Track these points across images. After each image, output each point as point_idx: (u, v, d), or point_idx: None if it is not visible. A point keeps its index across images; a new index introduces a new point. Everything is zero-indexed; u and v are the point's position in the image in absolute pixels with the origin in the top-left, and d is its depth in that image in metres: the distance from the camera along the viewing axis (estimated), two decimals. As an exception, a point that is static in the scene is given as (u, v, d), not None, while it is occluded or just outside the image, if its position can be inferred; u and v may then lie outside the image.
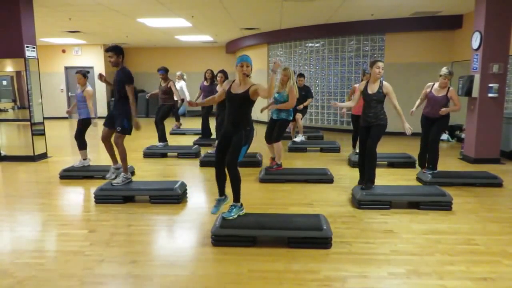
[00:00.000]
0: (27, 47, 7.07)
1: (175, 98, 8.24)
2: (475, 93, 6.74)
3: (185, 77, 10.67)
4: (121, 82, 4.82)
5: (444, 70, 5.51)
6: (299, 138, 8.45)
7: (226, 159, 3.73)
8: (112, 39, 13.43)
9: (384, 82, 4.73)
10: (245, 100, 3.75)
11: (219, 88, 7.21)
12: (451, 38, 9.56)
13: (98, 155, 7.59)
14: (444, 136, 9.46)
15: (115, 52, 4.77)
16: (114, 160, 5.31)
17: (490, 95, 6.67)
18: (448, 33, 9.56)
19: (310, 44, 11.34)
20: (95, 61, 14.77)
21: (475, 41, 6.80)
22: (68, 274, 3.01)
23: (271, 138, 5.98)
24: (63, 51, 14.88)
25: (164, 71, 7.90)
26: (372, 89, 4.74)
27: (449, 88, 5.56)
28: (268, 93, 3.62)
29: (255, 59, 14.37)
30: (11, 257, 3.33)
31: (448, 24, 9.33)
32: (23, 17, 6.96)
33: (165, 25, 10.35)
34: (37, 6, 7.55)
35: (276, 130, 5.93)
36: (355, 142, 7.11)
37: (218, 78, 7.14)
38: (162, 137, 7.74)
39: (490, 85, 6.65)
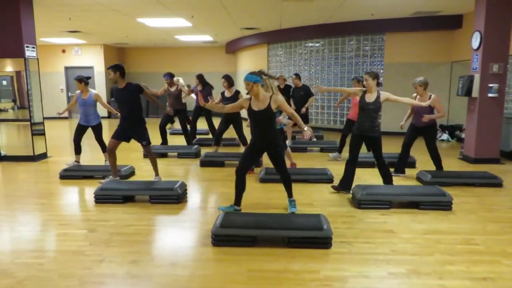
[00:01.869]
0: (27, 47, 7.06)
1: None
2: (475, 93, 6.74)
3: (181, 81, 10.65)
4: (132, 98, 5.12)
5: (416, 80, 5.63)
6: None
7: (284, 175, 4.28)
8: (112, 39, 13.44)
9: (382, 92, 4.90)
10: (270, 116, 4.08)
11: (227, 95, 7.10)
12: (451, 38, 9.56)
13: (99, 155, 7.58)
14: (444, 136, 9.47)
15: (113, 69, 5.08)
16: (115, 172, 5.35)
17: (490, 95, 6.67)
18: (448, 33, 9.56)
19: (310, 44, 11.34)
20: (95, 61, 14.77)
21: (475, 41, 6.80)
22: (68, 274, 3.01)
23: None
24: (63, 51, 14.88)
25: (170, 77, 7.97)
26: (370, 98, 4.88)
27: (430, 96, 5.53)
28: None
29: (255, 59, 14.37)
30: (11, 257, 3.33)
31: (448, 24, 9.33)
32: (23, 17, 6.96)
33: (165, 25, 10.35)
34: (37, 6, 7.55)
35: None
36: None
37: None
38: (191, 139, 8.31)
39: (490, 85, 6.65)
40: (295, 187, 5.35)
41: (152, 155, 5.46)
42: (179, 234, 3.87)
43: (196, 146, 7.86)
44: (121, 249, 3.45)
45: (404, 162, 6.02)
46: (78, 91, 6.32)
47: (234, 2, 7.69)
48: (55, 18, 9.19)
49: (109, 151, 5.25)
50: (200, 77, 8.44)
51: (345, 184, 5.05)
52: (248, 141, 6.48)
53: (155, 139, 8.30)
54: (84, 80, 6.24)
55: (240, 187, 4.22)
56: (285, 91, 8.62)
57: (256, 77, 3.99)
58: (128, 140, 5.35)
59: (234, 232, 3.49)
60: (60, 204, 4.86)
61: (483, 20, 6.54)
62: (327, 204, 4.69)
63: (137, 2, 7.60)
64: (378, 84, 4.87)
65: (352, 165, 5.01)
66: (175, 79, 8.12)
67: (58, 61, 14.93)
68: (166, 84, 8.01)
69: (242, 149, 7.60)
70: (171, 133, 10.26)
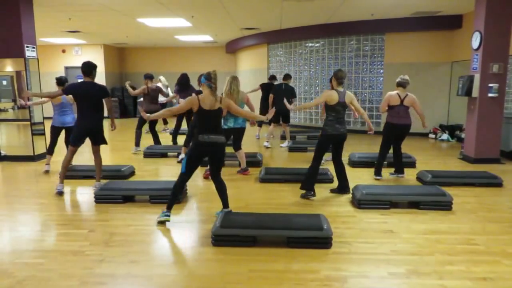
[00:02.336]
0: (27, 47, 7.07)
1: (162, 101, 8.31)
2: (475, 93, 6.74)
3: (162, 80, 10.64)
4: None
5: None
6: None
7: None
8: (112, 39, 13.44)
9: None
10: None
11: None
12: (451, 38, 9.56)
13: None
14: (444, 136, 9.47)
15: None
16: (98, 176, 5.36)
17: (490, 95, 6.67)
18: (448, 33, 9.56)
19: (310, 44, 11.34)
20: (95, 61, 14.54)
21: (475, 41, 6.80)
22: (68, 274, 3.00)
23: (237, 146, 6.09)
24: (63, 51, 14.88)
25: (145, 78, 8.04)
26: None
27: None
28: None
29: (255, 59, 14.34)
30: (11, 257, 3.33)
31: (448, 24, 9.33)
32: (23, 17, 6.96)
33: (165, 25, 10.35)
34: (37, 6, 7.55)
35: (239, 138, 6.04)
36: None
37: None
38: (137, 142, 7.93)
39: (490, 85, 6.65)
40: (296, 187, 5.37)
41: (66, 157, 5.32)
42: (179, 234, 3.86)
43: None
44: (121, 249, 3.45)
45: (397, 162, 5.96)
46: None
47: (234, 2, 7.69)
48: (55, 18, 9.20)
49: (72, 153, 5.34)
50: (179, 78, 8.04)
51: (340, 186, 5.11)
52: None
53: (150, 139, 8.31)
54: (57, 81, 6.38)
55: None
56: (266, 89, 9.26)
57: (203, 79, 4.03)
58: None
59: (234, 232, 3.49)
60: (60, 204, 4.86)
61: (483, 20, 6.54)
62: (327, 204, 4.69)
63: (137, 2, 7.60)
64: (339, 83, 4.81)
65: (334, 165, 5.12)
66: (159, 78, 8.18)
67: (58, 61, 14.93)
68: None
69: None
70: (171, 133, 10.23)
